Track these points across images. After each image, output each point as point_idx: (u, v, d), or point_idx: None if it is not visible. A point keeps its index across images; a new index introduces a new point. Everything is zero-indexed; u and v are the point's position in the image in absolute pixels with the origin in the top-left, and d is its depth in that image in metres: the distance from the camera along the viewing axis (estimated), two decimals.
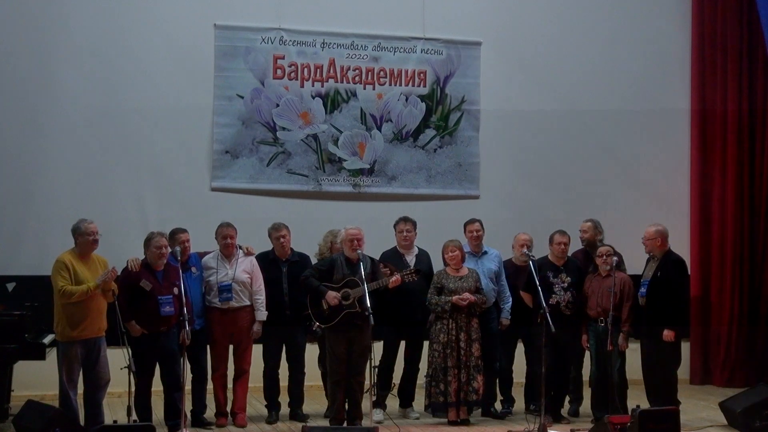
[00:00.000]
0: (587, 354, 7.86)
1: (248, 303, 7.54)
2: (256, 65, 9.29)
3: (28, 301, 7.62)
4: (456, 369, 7.43)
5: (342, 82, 9.50)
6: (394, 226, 8.05)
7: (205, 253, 7.66)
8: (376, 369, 6.99)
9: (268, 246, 7.88)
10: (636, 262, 8.03)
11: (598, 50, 10.12)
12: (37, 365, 7.23)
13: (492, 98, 9.80)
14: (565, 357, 7.76)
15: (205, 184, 9.16)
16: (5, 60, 8.69)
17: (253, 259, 7.69)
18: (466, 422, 7.53)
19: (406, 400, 8.04)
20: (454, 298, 7.46)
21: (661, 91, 10.30)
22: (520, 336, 8.12)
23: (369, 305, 6.87)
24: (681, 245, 9.01)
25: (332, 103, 9.49)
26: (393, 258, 7.83)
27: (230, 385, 7.67)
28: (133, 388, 6.40)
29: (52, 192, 8.74)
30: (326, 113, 9.46)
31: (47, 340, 7.20)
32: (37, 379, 7.89)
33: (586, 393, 8.04)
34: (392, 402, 7.98)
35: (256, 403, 8.23)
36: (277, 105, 9.34)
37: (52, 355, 7.11)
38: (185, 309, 6.80)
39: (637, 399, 7.66)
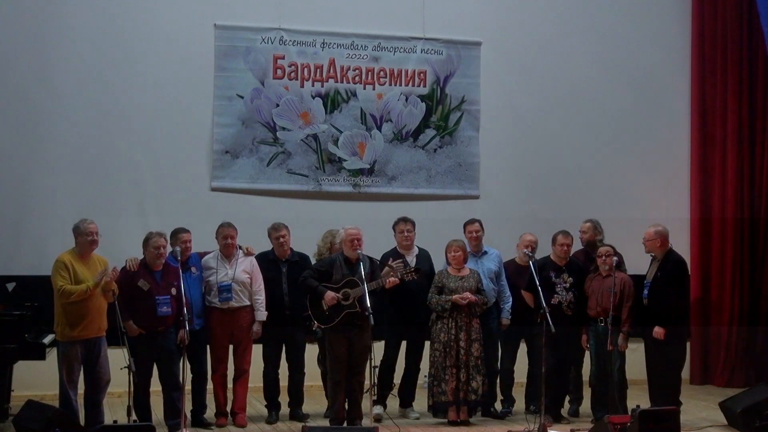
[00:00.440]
0: (587, 354, 7.86)
1: (248, 303, 7.54)
2: (256, 65, 9.29)
3: (28, 301, 7.63)
4: (455, 368, 7.43)
5: (342, 82, 9.50)
6: (393, 226, 8.05)
7: (205, 253, 7.66)
8: (376, 369, 6.98)
9: (267, 246, 7.88)
10: (636, 263, 8.03)
11: (598, 50, 10.12)
12: (37, 365, 7.23)
13: (492, 98, 9.81)
14: (566, 357, 7.76)
15: (205, 184, 9.16)
16: (5, 60, 8.68)
17: (252, 259, 7.69)
18: (466, 422, 7.53)
19: (406, 400, 8.04)
20: (455, 297, 7.46)
21: (661, 91, 10.30)
22: (523, 336, 8.11)
23: (369, 305, 6.87)
24: (681, 245, 9.01)
25: (332, 103, 9.49)
26: (393, 258, 7.82)
27: (230, 385, 7.67)
28: (132, 388, 6.39)
29: (52, 192, 8.73)
30: (326, 113, 9.46)
31: (47, 340, 7.20)
32: (37, 379, 7.89)
33: (586, 393, 8.04)
34: (392, 402, 7.98)
35: (256, 403, 8.23)
36: (277, 105, 9.34)
37: (52, 355, 7.11)
38: (185, 309, 6.80)
39: (637, 399, 7.66)
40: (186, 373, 6.98)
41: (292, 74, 9.40)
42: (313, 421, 7.61)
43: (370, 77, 9.59)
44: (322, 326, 7.27)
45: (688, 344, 9.18)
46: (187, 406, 7.25)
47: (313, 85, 9.44)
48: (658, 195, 10.14)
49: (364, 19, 9.56)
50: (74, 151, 8.82)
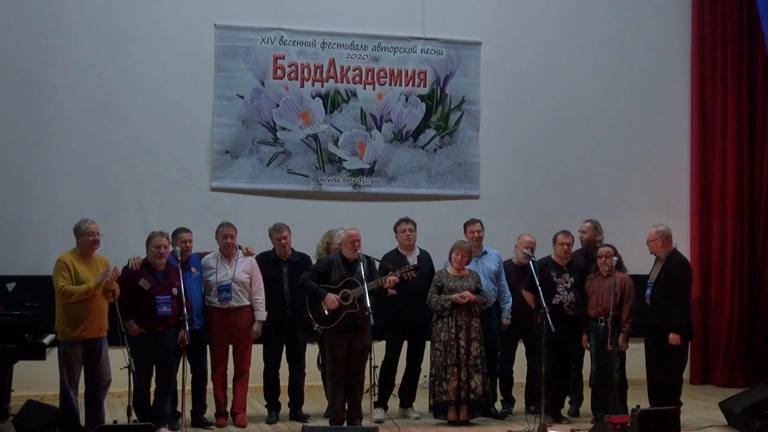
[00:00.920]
0: (587, 354, 7.85)
1: (248, 303, 7.54)
2: (256, 65, 9.29)
3: (28, 301, 7.61)
4: (455, 368, 7.43)
5: (342, 82, 9.50)
6: (395, 227, 8.04)
7: (205, 253, 7.65)
8: (376, 369, 6.98)
9: (267, 246, 7.88)
10: (636, 263, 8.03)
11: (597, 50, 10.12)
12: (37, 365, 7.24)
13: (492, 98, 9.81)
14: (566, 357, 7.76)
15: (205, 184, 9.16)
16: (5, 60, 8.68)
17: (252, 259, 7.69)
18: (466, 422, 7.53)
19: (406, 400, 8.04)
20: (454, 296, 7.47)
21: (661, 91, 10.31)
22: (520, 336, 8.12)
23: (369, 305, 6.87)
24: (681, 245, 8.97)
25: (332, 103, 9.49)
26: (395, 259, 7.82)
27: (230, 385, 7.67)
28: (132, 389, 6.39)
29: (52, 192, 8.73)
30: (326, 113, 9.46)
31: (47, 340, 7.20)
32: (37, 379, 7.90)
33: (586, 393, 8.04)
34: (392, 402, 7.98)
35: (256, 403, 8.23)
36: (277, 105, 9.34)
37: (52, 355, 7.11)
38: (185, 309, 6.80)
39: (637, 399, 7.66)
40: (186, 373, 6.98)
41: (292, 74, 9.40)
42: (313, 421, 7.61)
43: (370, 77, 9.59)
44: (323, 328, 7.27)
45: (687, 344, 9.21)
46: (187, 406, 7.24)
47: (313, 85, 9.44)
48: (658, 195, 10.13)
49: (364, 19, 9.56)
50: (74, 152, 8.81)
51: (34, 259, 8.38)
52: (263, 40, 9.31)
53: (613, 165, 10.13)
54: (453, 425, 7.50)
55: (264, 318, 7.57)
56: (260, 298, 7.57)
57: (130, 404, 6.32)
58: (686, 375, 9.78)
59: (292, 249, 7.85)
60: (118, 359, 6.49)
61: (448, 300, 7.48)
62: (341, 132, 9.49)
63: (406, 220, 8.01)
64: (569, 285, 7.73)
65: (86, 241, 6.82)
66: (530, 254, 7.70)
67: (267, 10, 9.30)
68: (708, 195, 10.23)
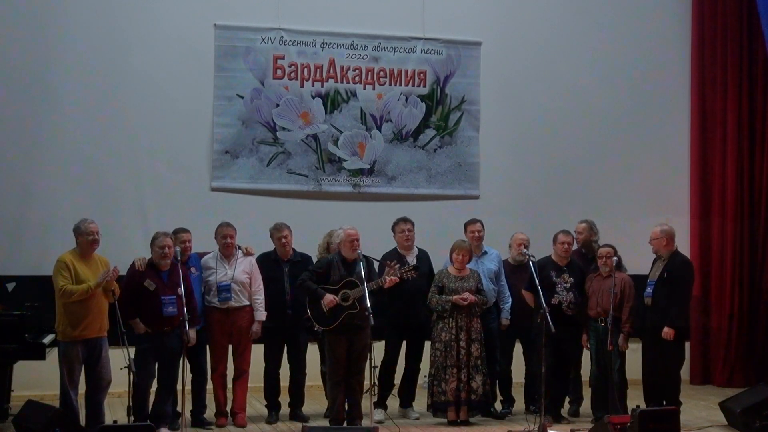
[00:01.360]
0: (587, 354, 7.85)
1: (247, 303, 7.54)
2: (256, 65, 9.29)
3: (28, 301, 7.61)
4: (455, 368, 7.43)
5: (342, 82, 9.50)
6: (393, 227, 8.03)
7: (205, 254, 7.65)
8: (376, 369, 6.99)
9: (267, 246, 7.88)
10: (636, 262, 8.04)
11: (597, 50, 10.12)
12: (37, 365, 7.24)
13: (492, 98, 9.81)
14: (566, 357, 7.76)
15: (205, 184, 9.15)
16: (5, 60, 8.68)
17: (252, 259, 7.69)
18: (466, 422, 7.53)
19: (406, 400, 8.03)
20: (455, 297, 7.46)
21: (661, 91, 10.30)
22: (519, 336, 8.12)
23: (369, 305, 6.87)
24: (681, 245, 8.97)
25: (332, 103, 9.49)
26: (394, 259, 7.81)
27: (230, 385, 7.67)
28: (132, 389, 6.38)
29: (52, 192, 8.73)
30: (326, 113, 9.45)
31: (47, 340, 7.20)
32: (37, 379, 7.90)
33: (586, 393, 8.04)
34: (392, 402, 7.98)
35: (256, 403, 8.23)
36: (277, 105, 9.34)
37: (52, 355, 7.11)
38: (186, 309, 6.81)
39: (637, 399, 7.66)
40: (186, 373, 6.98)
41: (292, 74, 9.40)
42: (313, 422, 7.60)
43: (370, 77, 9.59)
44: (323, 328, 7.26)
45: (687, 344, 9.21)
46: (187, 406, 7.24)
47: (313, 85, 9.43)
48: (658, 195, 10.13)
49: (364, 19, 9.55)
50: (74, 152, 8.82)
51: (34, 259, 8.38)
52: (263, 40, 9.31)
53: (613, 165, 10.13)
54: (453, 425, 7.50)
55: (263, 318, 7.57)
56: (260, 298, 7.56)
57: (130, 404, 6.32)
58: (686, 375, 9.81)
59: (294, 249, 7.85)
60: (118, 359, 6.48)
61: (448, 302, 7.48)
62: (341, 132, 9.49)
63: (405, 220, 8.00)
64: (569, 285, 7.73)
65: (86, 240, 6.82)
66: (528, 253, 7.69)
67: (267, 10, 9.30)
68: (708, 195, 10.23)
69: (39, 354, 7.11)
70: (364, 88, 9.57)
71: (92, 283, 6.67)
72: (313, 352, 7.98)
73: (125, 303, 6.79)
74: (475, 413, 7.64)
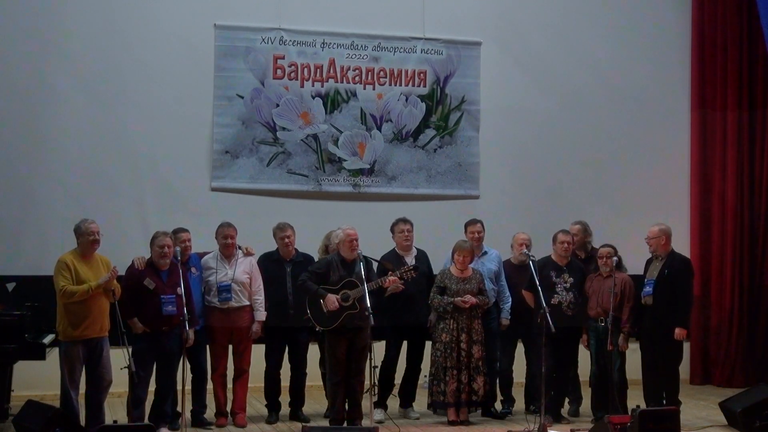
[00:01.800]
0: (587, 354, 7.85)
1: (247, 303, 7.54)
2: (256, 65, 9.29)
3: (28, 301, 7.63)
4: (455, 370, 7.43)
5: (342, 82, 9.50)
6: (392, 227, 8.02)
7: (205, 254, 7.65)
8: (376, 369, 6.99)
9: (267, 246, 7.88)
10: (636, 263, 8.02)
11: (598, 50, 10.13)
12: (37, 365, 7.22)
13: (492, 98, 9.80)
14: (566, 357, 7.76)
15: (205, 184, 9.16)
16: (5, 60, 8.68)
17: (252, 259, 7.69)
18: (466, 422, 7.53)
19: (406, 400, 8.03)
20: (456, 300, 7.46)
21: (662, 91, 10.31)
22: (519, 336, 8.12)
23: (369, 305, 6.87)
24: (681, 245, 9.01)
25: (332, 103, 9.49)
26: (393, 260, 7.82)
27: (230, 385, 7.67)
28: (131, 388, 6.39)
29: (52, 192, 8.74)
30: (326, 113, 9.46)
31: (47, 340, 7.20)
32: (37, 379, 7.90)
33: (586, 393, 8.04)
34: (392, 402, 7.98)
35: (256, 403, 8.23)
36: (277, 105, 9.34)
37: (52, 355, 7.11)
38: (186, 309, 6.81)
39: (637, 399, 7.67)
40: (186, 373, 6.98)
41: (292, 74, 9.40)
42: (313, 422, 7.60)
43: (370, 77, 9.59)
44: (323, 329, 7.26)
45: (687, 344, 9.22)
46: (187, 406, 7.24)
47: (313, 85, 9.44)
48: (658, 195, 10.13)
49: (364, 19, 9.56)
50: (74, 151, 8.82)
51: (34, 259, 8.38)
52: (263, 40, 9.31)
53: (613, 165, 10.13)
54: (453, 425, 7.50)
55: (263, 318, 7.56)
56: (260, 298, 7.56)
57: (130, 404, 6.31)
58: (686, 375, 9.83)
59: (296, 249, 7.84)
60: (118, 359, 6.49)
61: (450, 303, 7.47)
62: (341, 132, 9.49)
63: (404, 221, 7.99)
64: (568, 285, 7.73)
65: (86, 241, 6.82)
66: (529, 253, 7.69)
67: (267, 10, 9.31)
68: (708, 195, 10.23)
69: (39, 354, 7.10)
70: (364, 88, 9.57)
71: (93, 284, 6.67)
72: (313, 352, 7.98)
73: (124, 302, 6.79)
74: (475, 410, 7.65)
